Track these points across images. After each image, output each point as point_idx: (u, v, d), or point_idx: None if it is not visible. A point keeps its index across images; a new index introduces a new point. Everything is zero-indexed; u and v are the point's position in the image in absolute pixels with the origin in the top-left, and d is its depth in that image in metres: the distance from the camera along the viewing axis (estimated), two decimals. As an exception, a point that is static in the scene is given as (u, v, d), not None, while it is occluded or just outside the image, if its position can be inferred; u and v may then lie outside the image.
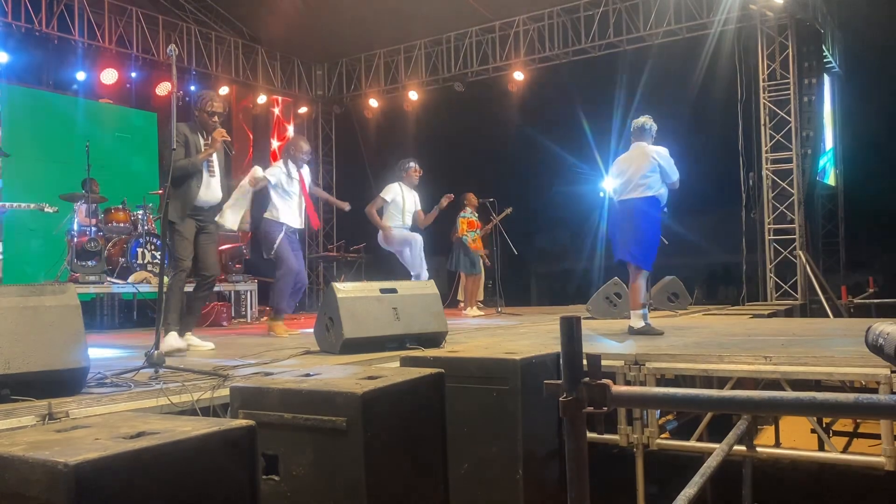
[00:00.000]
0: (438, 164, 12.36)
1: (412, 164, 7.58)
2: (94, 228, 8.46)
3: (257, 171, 6.33)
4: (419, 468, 2.67)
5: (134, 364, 3.54)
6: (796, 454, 4.28)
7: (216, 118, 5.07)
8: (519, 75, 11.90)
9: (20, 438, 1.78)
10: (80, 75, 10.58)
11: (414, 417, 2.67)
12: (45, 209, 6.69)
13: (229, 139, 5.11)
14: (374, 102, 13.40)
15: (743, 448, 3.79)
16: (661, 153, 5.79)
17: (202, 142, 5.04)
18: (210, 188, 5.04)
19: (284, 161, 6.57)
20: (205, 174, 5.00)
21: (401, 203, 7.41)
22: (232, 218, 5.87)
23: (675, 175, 5.80)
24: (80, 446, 1.66)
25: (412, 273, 7.29)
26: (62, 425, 2.10)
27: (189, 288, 5.15)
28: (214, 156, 5.09)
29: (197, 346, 4.95)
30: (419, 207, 7.63)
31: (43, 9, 9.34)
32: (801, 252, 9.93)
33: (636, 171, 5.75)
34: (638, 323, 5.61)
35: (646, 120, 5.96)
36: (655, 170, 5.72)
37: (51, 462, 1.53)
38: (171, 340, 4.59)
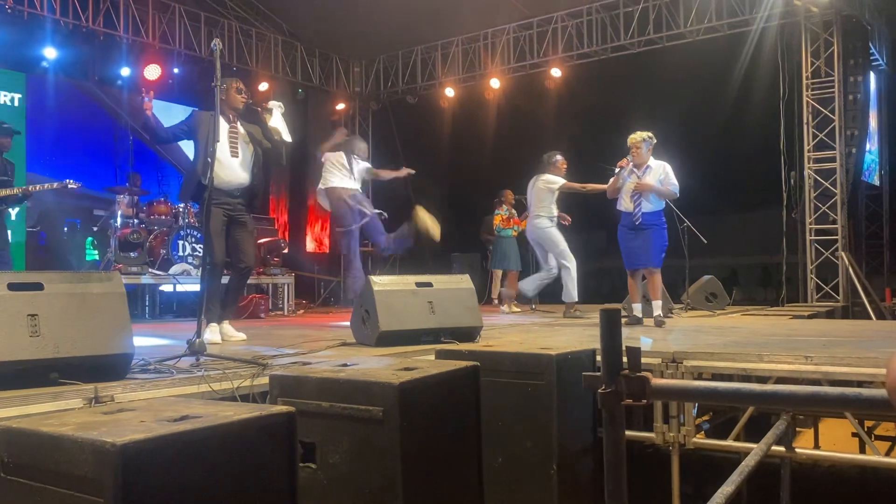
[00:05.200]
0: (475, 161, 12.37)
1: (559, 156, 8.06)
2: (136, 220, 8.63)
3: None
4: (454, 459, 2.68)
5: (176, 352, 3.62)
6: (837, 456, 4.21)
7: (244, 95, 5.01)
8: (556, 72, 11.82)
9: (69, 419, 1.84)
10: (125, 71, 10.79)
11: (449, 409, 2.68)
12: (69, 185, 6.64)
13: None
14: (410, 99, 13.43)
15: (781, 449, 3.73)
16: None
17: (227, 125, 4.89)
18: (231, 169, 4.89)
19: (347, 158, 6.87)
20: (224, 155, 4.81)
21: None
22: None
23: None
24: (127, 428, 1.70)
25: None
26: (108, 408, 2.16)
27: (225, 279, 5.20)
28: (240, 137, 4.96)
29: (230, 336, 4.98)
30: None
31: (90, 6, 9.54)
32: (843, 253, 9.70)
33: None
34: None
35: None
36: None
37: (99, 442, 1.58)
38: (207, 334, 4.58)
